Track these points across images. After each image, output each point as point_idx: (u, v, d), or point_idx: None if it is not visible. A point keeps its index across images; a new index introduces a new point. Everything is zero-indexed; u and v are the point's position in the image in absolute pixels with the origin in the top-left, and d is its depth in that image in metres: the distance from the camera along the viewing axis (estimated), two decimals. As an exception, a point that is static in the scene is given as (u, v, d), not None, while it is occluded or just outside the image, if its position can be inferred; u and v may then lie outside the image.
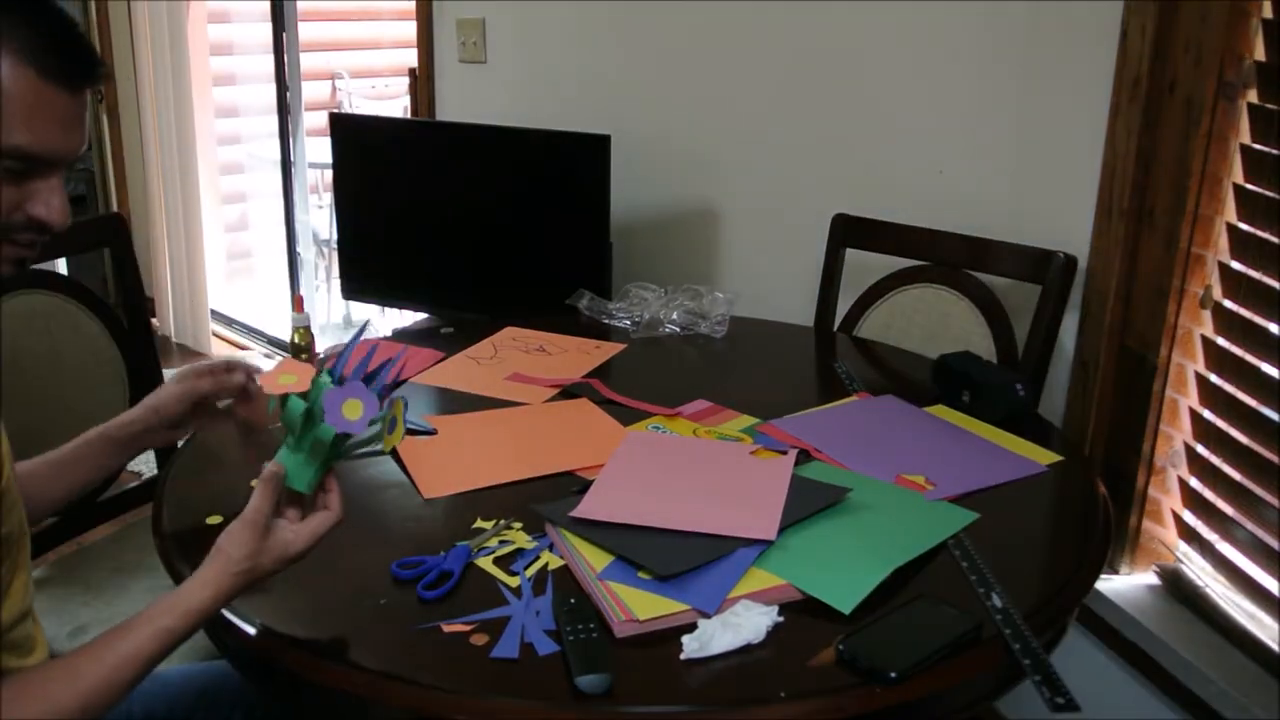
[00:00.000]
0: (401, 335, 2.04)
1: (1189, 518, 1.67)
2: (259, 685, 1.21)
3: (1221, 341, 1.58)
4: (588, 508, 1.21)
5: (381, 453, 1.06)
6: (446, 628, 1.04)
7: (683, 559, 1.11)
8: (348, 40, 5.43)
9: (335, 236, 2.64)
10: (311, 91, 4.77)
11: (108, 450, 1.22)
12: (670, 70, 2.45)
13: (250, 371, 1.19)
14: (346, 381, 1.02)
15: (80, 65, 0.92)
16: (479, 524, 1.24)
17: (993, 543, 1.21)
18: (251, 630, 1.05)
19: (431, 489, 1.33)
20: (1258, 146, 1.51)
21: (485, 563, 1.16)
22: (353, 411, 0.99)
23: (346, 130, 2.55)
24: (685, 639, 1.01)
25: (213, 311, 4.14)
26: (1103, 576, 1.70)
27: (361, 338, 1.12)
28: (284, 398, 1.02)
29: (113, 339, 1.82)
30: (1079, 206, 1.78)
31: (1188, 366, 1.65)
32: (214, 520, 1.23)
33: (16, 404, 1.62)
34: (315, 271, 4.13)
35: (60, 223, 0.94)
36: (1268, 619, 1.51)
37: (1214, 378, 1.59)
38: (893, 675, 0.96)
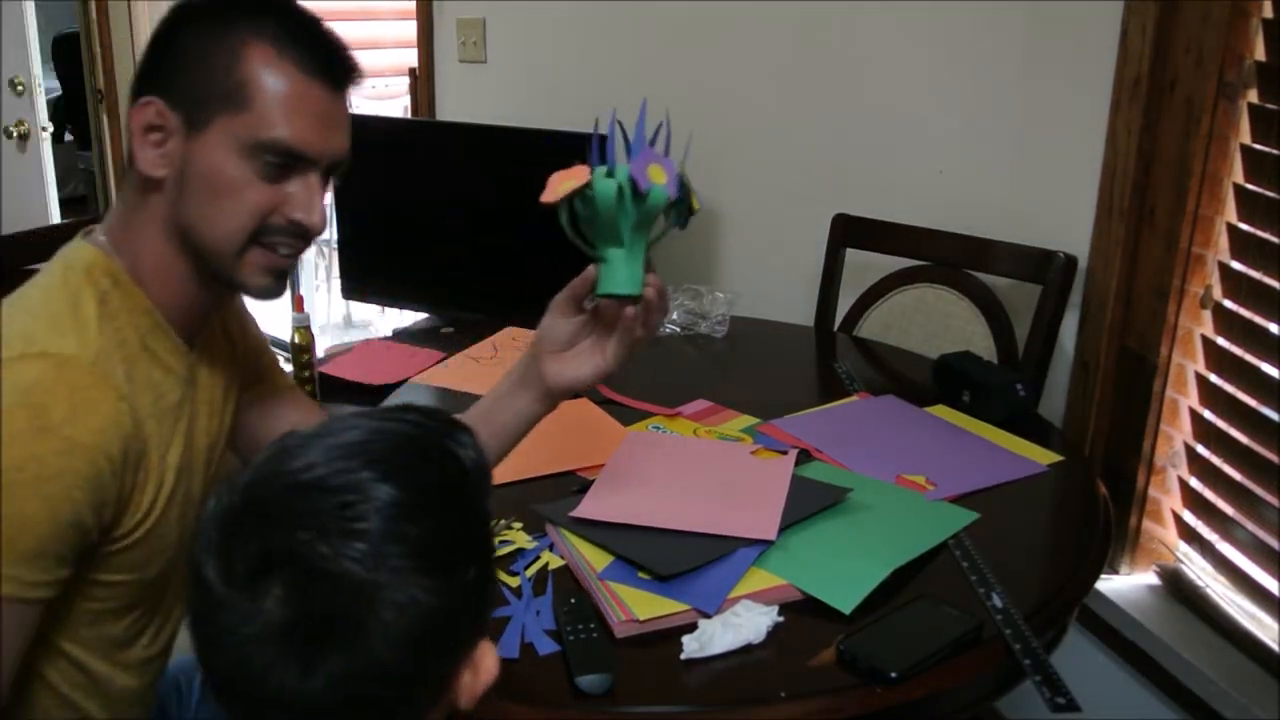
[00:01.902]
0: (401, 335, 2.04)
1: (1189, 518, 1.66)
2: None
3: (1221, 342, 1.58)
4: (588, 508, 1.21)
5: (683, 225, 1.01)
6: (447, 628, 1.04)
7: (683, 559, 1.11)
8: (348, 40, 5.42)
9: (335, 236, 2.64)
10: (311, 91, 4.76)
11: (515, 389, 1.13)
12: (670, 70, 2.45)
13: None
14: (635, 151, 0.94)
15: (340, 62, 0.92)
16: (479, 524, 1.24)
17: (993, 543, 1.21)
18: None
19: (432, 489, 1.32)
20: (1258, 146, 1.51)
21: (485, 563, 1.16)
22: (659, 175, 0.94)
23: (346, 130, 2.55)
24: (685, 639, 1.01)
25: (213, 311, 4.13)
26: (1103, 576, 1.70)
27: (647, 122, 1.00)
28: (580, 190, 0.94)
29: (113, 339, 1.82)
30: (1079, 206, 1.78)
31: (1188, 367, 1.65)
32: (214, 520, 1.23)
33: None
34: (315, 271, 4.12)
35: (320, 226, 0.92)
36: (1268, 619, 1.51)
37: (1214, 378, 1.59)
38: (893, 675, 0.96)
